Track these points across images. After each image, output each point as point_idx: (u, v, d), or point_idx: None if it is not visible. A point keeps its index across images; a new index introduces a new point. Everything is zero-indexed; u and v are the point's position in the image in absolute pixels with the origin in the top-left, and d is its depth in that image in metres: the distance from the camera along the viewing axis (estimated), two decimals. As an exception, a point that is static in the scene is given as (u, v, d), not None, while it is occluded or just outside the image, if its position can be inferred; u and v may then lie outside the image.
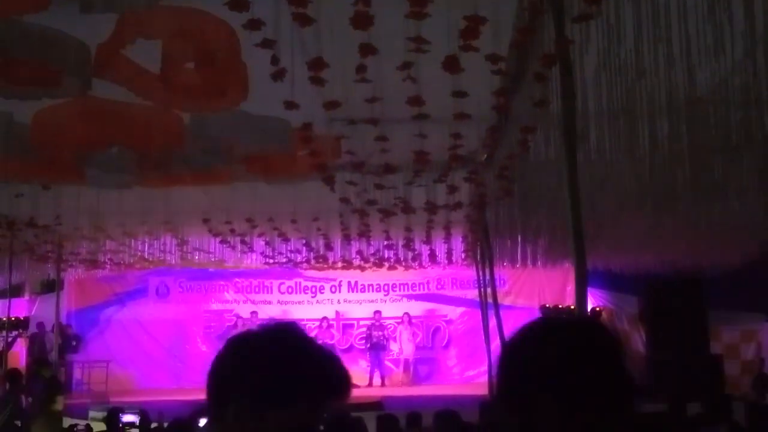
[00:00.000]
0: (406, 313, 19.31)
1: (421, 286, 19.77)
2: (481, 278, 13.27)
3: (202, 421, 8.33)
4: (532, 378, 1.64)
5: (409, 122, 6.70)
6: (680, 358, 14.96)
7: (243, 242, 13.51)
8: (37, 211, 10.44)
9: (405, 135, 7.09)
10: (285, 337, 1.78)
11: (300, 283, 19.85)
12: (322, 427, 1.75)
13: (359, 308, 19.74)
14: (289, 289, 19.97)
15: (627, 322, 18.20)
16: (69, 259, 15.36)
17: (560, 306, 17.95)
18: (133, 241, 14.07)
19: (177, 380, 18.43)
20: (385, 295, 19.83)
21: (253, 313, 19.12)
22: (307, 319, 18.34)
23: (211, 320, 19.68)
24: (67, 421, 11.20)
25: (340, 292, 19.89)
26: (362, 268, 16.74)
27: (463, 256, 15.72)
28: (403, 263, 16.03)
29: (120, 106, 6.41)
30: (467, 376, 18.68)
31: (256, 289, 19.92)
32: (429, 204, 10.09)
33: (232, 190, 9.16)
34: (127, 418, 10.25)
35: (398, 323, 19.28)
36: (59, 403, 11.68)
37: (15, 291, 16.16)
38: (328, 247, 14.08)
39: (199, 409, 9.31)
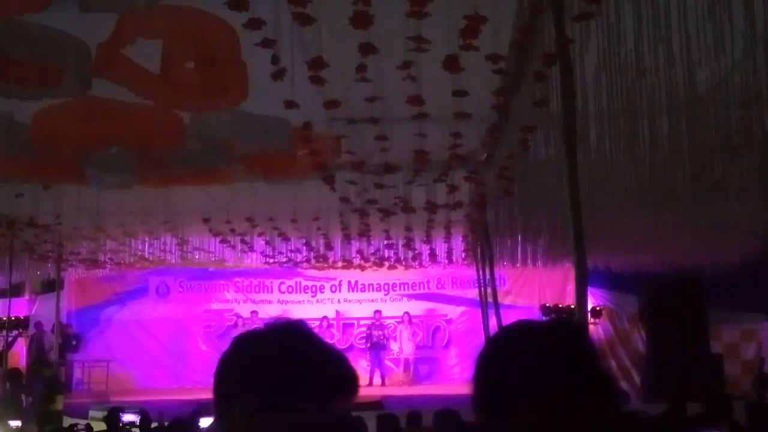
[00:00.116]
0: (407, 313, 19.31)
1: (422, 286, 19.77)
2: (481, 278, 13.27)
3: (203, 421, 8.35)
4: (507, 384, 1.63)
5: (409, 121, 6.70)
6: (680, 357, 14.96)
7: (243, 242, 13.51)
8: (38, 211, 10.44)
9: (405, 134, 7.09)
10: (293, 335, 1.77)
11: (300, 282, 19.84)
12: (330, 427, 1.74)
13: (359, 308, 19.73)
14: (290, 289, 19.97)
15: (627, 322, 18.20)
16: (69, 259, 15.36)
17: (560, 305, 17.95)
18: (133, 240, 14.07)
19: (177, 380, 18.45)
20: (385, 295, 19.82)
21: (254, 312, 19.12)
22: (308, 319, 18.04)
23: (212, 320, 19.68)
24: (67, 421, 11.20)
25: (340, 291, 19.89)
26: (362, 268, 16.74)
27: (463, 255, 15.72)
28: (404, 263, 16.03)
29: (120, 105, 6.42)
30: (467, 376, 18.57)
31: (257, 289, 19.92)
32: (429, 203, 10.09)
33: (232, 189, 9.16)
34: (128, 417, 10.23)
35: (398, 323, 19.28)
36: (59, 403, 11.71)
37: (15, 290, 16.15)
38: (329, 246, 14.08)
39: (199, 409, 9.32)
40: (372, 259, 15.40)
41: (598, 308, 17.57)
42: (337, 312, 19.65)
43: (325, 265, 16.67)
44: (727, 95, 5.76)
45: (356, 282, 19.61)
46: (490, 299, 12.29)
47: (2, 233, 11.93)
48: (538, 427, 1.58)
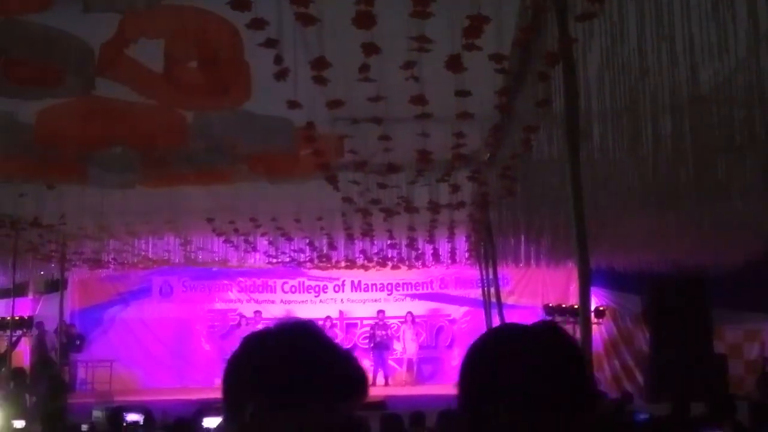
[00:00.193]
0: (410, 313, 19.31)
1: (425, 286, 19.77)
2: (484, 277, 13.26)
3: (206, 420, 8.36)
4: (489, 385, 1.65)
5: (412, 121, 6.71)
6: (684, 357, 14.95)
7: (246, 241, 13.53)
8: (41, 211, 10.46)
9: (408, 134, 7.09)
10: (303, 336, 1.76)
11: (303, 282, 19.86)
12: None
13: (363, 308, 19.74)
14: (293, 289, 19.98)
15: (630, 322, 18.18)
16: (73, 259, 15.37)
17: (563, 305, 17.93)
18: (136, 240, 14.10)
19: (181, 379, 18.48)
20: (388, 295, 19.83)
21: (257, 312, 19.14)
22: (311, 319, 18.25)
23: (215, 319, 19.70)
24: (70, 421, 11.20)
25: (343, 291, 19.90)
26: (366, 268, 16.74)
27: (466, 255, 15.72)
28: (407, 263, 16.03)
29: (123, 105, 6.42)
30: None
31: (260, 289, 19.94)
32: (432, 203, 10.10)
33: (235, 189, 9.16)
34: (131, 417, 10.24)
35: (402, 323, 19.28)
36: (62, 402, 11.71)
37: (19, 290, 16.16)
38: (332, 246, 14.09)
39: (202, 409, 9.33)
40: (375, 259, 15.41)
41: (601, 308, 17.56)
42: (341, 312, 19.67)
43: (329, 265, 16.68)
44: (730, 95, 5.75)
45: (359, 282, 19.63)
46: (493, 299, 12.27)
47: (6, 233, 11.95)
48: (517, 427, 1.60)
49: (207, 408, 9.39)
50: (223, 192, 9.57)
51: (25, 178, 8.63)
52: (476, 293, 16.10)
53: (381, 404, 13.01)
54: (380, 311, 19.24)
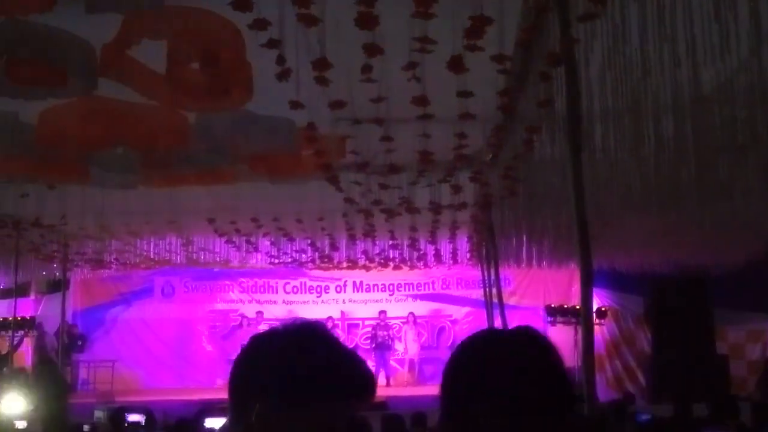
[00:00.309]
0: (411, 313, 19.31)
1: (426, 286, 19.77)
2: (486, 278, 13.25)
3: (208, 421, 8.36)
4: (476, 392, 1.65)
5: (414, 122, 6.71)
6: (685, 358, 14.94)
7: (248, 242, 13.54)
8: (43, 211, 10.46)
9: (410, 135, 7.09)
10: (310, 336, 1.76)
11: (305, 282, 19.86)
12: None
13: (364, 308, 19.74)
14: (294, 289, 19.98)
15: (632, 322, 18.17)
16: (75, 259, 15.37)
17: (565, 306, 17.92)
18: (138, 240, 14.10)
19: (182, 380, 18.49)
20: (390, 295, 19.83)
21: (259, 313, 19.15)
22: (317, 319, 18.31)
23: (217, 320, 19.71)
24: (72, 421, 11.21)
25: (345, 292, 19.90)
26: (367, 268, 16.74)
27: (468, 255, 15.71)
28: (408, 263, 16.03)
29: (125, 105, 6.42)
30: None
31: (261, 289, 19.94)
32: (433, 204, 10.09)
33: (237, 189, 9.16)
34: (133, 417, 10.25)
35: (403, 323, 19.28)
36: (64, 402, 11.70)
37: (21, 291, 16.18)
38: (333, 246, 14.08)
39: (204, 409, 9.34)
40: (377, 259, 15.41)
41: (603, 309, 17.55)
42: (342, 312, 19.66)
43: (330, 266, 16.67)
44: (732, 95, 5.74)
45: (361, 282, 19.63)
46: (495, 300, 12.27)
47: (8, 233, 11.96)
48: (506, 430, 1.61)
49: (209, 408, 9.41)
50: (225, 192, 9.57)
51: (26, 178, 8.63)
52: (478, 294, 16.08)
53: (382, 404, 13.01)
54: (382, 312, 19.24)
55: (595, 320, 15.49)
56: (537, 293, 19.03)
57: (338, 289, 19.89)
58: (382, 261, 15.63)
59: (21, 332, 16.83)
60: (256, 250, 14.39)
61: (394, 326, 19.25)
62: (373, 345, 18.80)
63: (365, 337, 19.34)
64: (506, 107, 6.58)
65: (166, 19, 5.16)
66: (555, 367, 1.70)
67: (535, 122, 6.31)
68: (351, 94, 5.97)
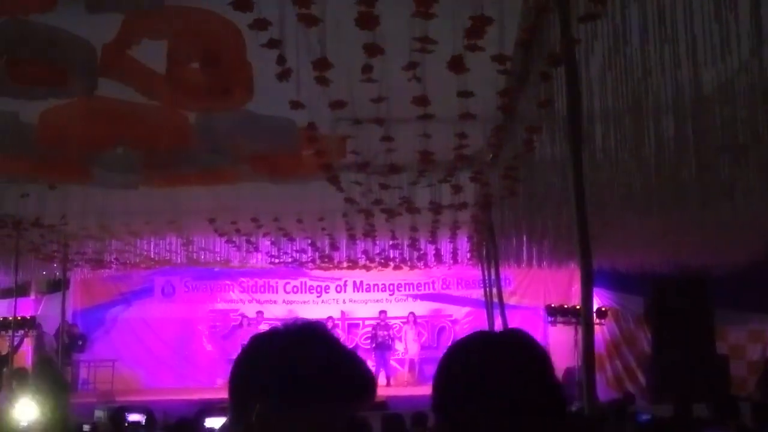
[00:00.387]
0: (412, 313, 19.31)
1: (427, 286, 19.77)
2: (486, 278, 13.25)
3: (208, 421, 8.36)
4: (459, 392, 1.68)
5: (414, 122, 6.71)
6: (686, 358, 14.93)
7: (248, 242, 13.53)
8: (43, 211, 10.45)
9: (410, 135, 7.09)
10: (311, 337, 1.76)
11: (305, 282, 19.86)
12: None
13: (364, 308, 19.75)
14: (295, 289, 19.99)
15: (633, 322, 18.17)
16: (75, 259, 15.37)
17: (565, 306, 17.92)
18: (138, 240, 14.10)
19: (182, 380, 18.49)
20: (390, 295, 19.83)
21: (259, 312, 19.16)
22: (313, 319, 18.30)
23: (217, 320, 19.72)
24: (72, 420, 11.21)
25: (345, 291, 19.91)
26: (367, 268, 16.75)
27: (468, 255, 15.72)
28: (409, 263, 16.03)
29: (126, 106, 6.42)
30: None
31: (262, 289, 19.94)
32: (434, 204, 10.09)
33: (237, 189, 9.16)
34: (133, 417, 10.25)
35: (403, 323, 19.29)
36: (64, 402, 11.69)
37: (21, 291, 16.18)
38: (334, 246, 14.09)
39: (204, 409, 9.34)
40: (377, 259, 15.41)
41: (603, 309, 17.55)
42: (342, 312, 19.67)
43: (331, 266, 16.67)
44: (733, 95, 5.75)
45: (361, 282, 19.63)
46: (495, 299, 12.27)
47: (8, 233, 11.96)
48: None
49: (209, 408, 9.41)
50: (225, 192, 9.57)
51: (27, 178, 8.63)
52: (478, 294, 16.08)
53: (382, 404, 13.01)
54: (382, 311, 19.25)
55: (596, 320, 15.49)
56: (537, 293, 19.03)
57: (338, 289, 19.90)
58: (382, 261, 15.63)
59: (21, 332, 16.83)
60: (257, 250, 14.40)
61: (394, 326, 19.25)
62: (374, 345, 18.81)
63: (365, 337, 19.35)
64: (507, 107, 6.58)
65: (167, 19, 5.16)
66: (544, 369, 1.72)
67: (536, 122, 6.30)
68: (351, 94, 5.97)
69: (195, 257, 15.39)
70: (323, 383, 1.67)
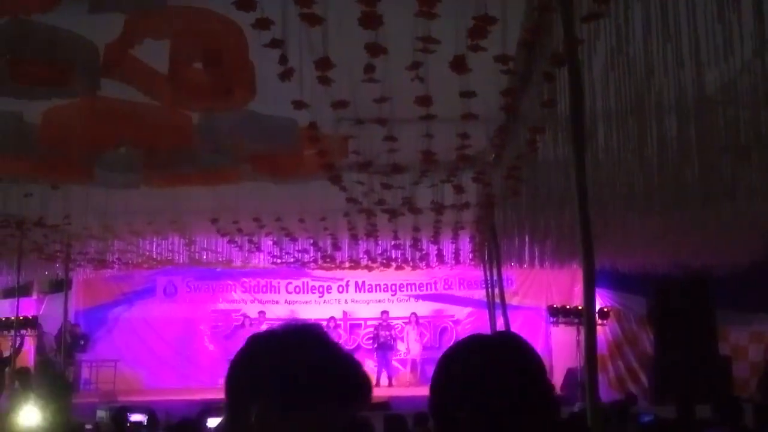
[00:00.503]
0: (414, 313, 19.32)
1: (429, 286, 19.77)
2: (488, 278, 13.25)
3: (210, 421, 8.36)
4: (453, 395, 1.73)
5: (416, 122, 6.70)
6: (688, 359, 14.92)
7: (250, 242, 13.54)
8: (46, 211, 10.47)
9: (412, 135, 7.09)
10: (308, 338, 1.76)
11: (307, 282, 19.86)
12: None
13: (366, 308, 19.75)
14: (297, 289, 19.99)
15: (635, 323, 18.16)
16: (77, 259, 15.39)
17: (568, 306, 17.92)
18: (141, 240, 14.11)
19: (184, 380, 18.50)
20: (392, 295, 19.83)
21: (261, 312, 19.17)
22: (315, 319, 18.26)
23: (219, 320, 19.73)
24: (74, 420, 11.22)
25: (347, 292, 19.91)
26: (370, 268, 16.75)
27: (470, 256, 15.71)
28: (411, 263, 16.03)
29: (128, 105, 6.42)
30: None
31: (264, 289, 19.95)
32: (436, 204, 10.09)
33: (239, 189, 9.16)
34: (135, 417, 10.27)
35: (405, 323, 19.29)
36: (65, 402, 11.71)
37: (23, 290, 16.20)
38: (336, 246, 14.09)
39: (206, 409, 9.34)
40: (379, 259, 15.41)
41: (605, 309, 17.54)
42: (345, 312, 19.67)
43: (333, 266, 16.68)
44: (736, 96, 5.74)
45: (363, 282, 19.63)
46: (497, 300, 12.27)
47: (11, 233, 11.97)
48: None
49: (211, 408, 9.40)
50: (228, 192, 9.57)
51: (30, 178, 8.64)
52: (480, 294, 16.08)
53: (385, 405, 13.03)
54: (384, 312, 19.25)
55: (598, 321, 15.50)
56: (539, 293, 19.02)
57: (340, 289, 19.90)
58: (384, 261, 15.63)
59: (23, 332, 16.85)
60: (259, 250, 14.40)
61: (396, 326, 19.26)
62: (376, 345, 18.82)
63: (367, 337, 19.35)
64: (509, 107, 6.58)
65: (169, 19, 5.16)
66: (538, 372, 1.76)
67: (539, 122, 6.30)
68: (354, 94, 5.97)
69: (197, 257, 15.40)
70: (321, 385, 1.67)
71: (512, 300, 16.06)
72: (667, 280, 15.59)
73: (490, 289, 13.20)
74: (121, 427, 9.78)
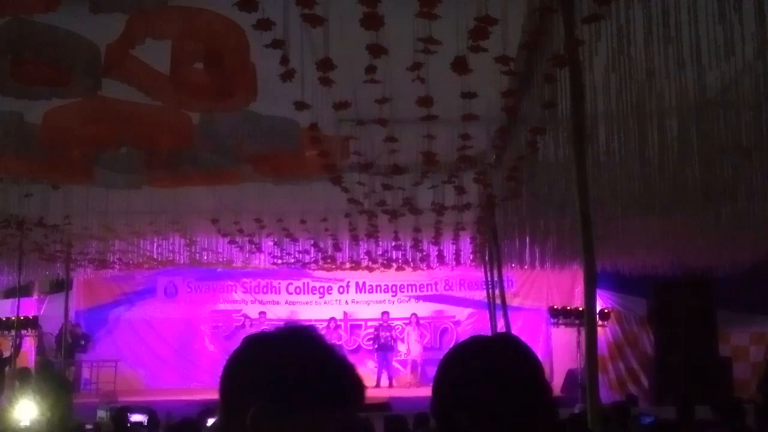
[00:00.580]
0: (414, 314, 19.30)
1: (429, 287, 19.76)
2: (489, 279, 13.25)
3: (210, 421, 8.35)
4: (453, 396, 1.75)
5: (417, 123, 6.70)
6: (689, 360, 14.91)
7: (251, 242, 13.53)
8: (47, 211, 10.47)
9: (413, 136, 7.09)
10: (304, 340, 1.75)
11: (308, 283, 19.85)
12: None
13: (367, 309, 19.72)
14: (297, 290, 19.97)
15: (635, 324, 18.14)
16: (78, 259, 15.39)
17: (568, 307, 17.91)
18: (141, 241, 14.10)
19: (185, 380, 18.48)
20: (393, 296, 19.81)
21: (262, 313, 19.16)
22: (315, 320, 18.28)
23: (219, 320, 19.71)
24: (74, 420, 11.22)
25: (348, 292, 19.89)
26: (370, 269, 16.75)
27: (471, 257, 15.71)
28: (412, 264, 16.02)
29: (129, 106, 6.43)
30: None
31: (264, 290, 19.93)
32: (437, 205, 10.09)
33: (240, 190, 9.17)
34: (135, 417, 10.26)
35: (406, 324, 19.27)
36: (65, 402, 11.71)
37: (24, 291, 16.20)
38: (337, 247, 14.08)
39: (207, 409, 9.33)
40: (380, 260, 15.40)
41: (606, 310, 17.53)
42: (345, 313, 19.65)
43: (333, 266, 16.68)
44: (737, 97, 5.75)
45: (364, 283, 19.61)
46: (498, 301, 12.27)
47: (11, 233, 11.97)
48: None
49: (211, 408, 9.38)
50: (228, 193, 9.58)
51: (31, 178, 8.65)
52: (481, 295, 16.07)
53: (385, 405, 13.02)
54: (384, 312, 19.23)
55: (598, 322, 15.48)
56: (540, 295, 19.00)
57: (341, 289, 19.88)
58: (385, 262, 15.63)
59: (24, 332, 16.85)
60: (259, 250, 14.40)
61: (396, 327, 19.24)
62: (376, 346, 18.80)
63: (368, 338, 19.34)
64: (510, 109, 6.58)
65: (171, 20, 5.16)
66: (537, 373, 1.78)
67: (539, 124, 6.30)
68: (355, 95, 5.97)
69: (198, 258, 15.39)
70: (314, 387, 1.66)
71: (513, 301, 16.07)
72: (668, 281, 15.59)
73: (490, 290, 13.20)
74: (122, 427, 9.78)
